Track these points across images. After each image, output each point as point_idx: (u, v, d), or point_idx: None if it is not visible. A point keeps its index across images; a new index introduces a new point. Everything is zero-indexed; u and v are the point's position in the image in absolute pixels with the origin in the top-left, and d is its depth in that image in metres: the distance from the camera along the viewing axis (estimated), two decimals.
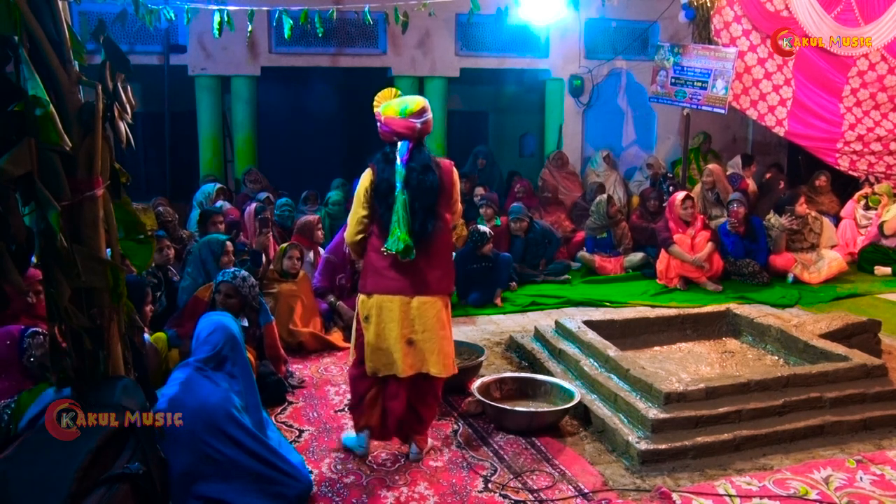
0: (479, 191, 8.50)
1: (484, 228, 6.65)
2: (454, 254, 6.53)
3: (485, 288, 6.49)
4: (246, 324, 4.29)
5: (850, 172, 8.56)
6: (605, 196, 7.76)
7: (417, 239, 3.27)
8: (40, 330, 3.38)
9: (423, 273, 3.33)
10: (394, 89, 3.46)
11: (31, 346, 3.32)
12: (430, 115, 3.34)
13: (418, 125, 3.28)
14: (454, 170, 3.41)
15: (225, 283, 4.22)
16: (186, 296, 4.90)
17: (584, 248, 7.74)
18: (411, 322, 3.33)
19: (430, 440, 3.67)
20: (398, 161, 3.29)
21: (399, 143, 3.32)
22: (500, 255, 6.69)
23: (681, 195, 7.18)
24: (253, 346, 4.32)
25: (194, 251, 5.20)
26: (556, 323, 4.99)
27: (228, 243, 5.12)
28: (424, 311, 3.33)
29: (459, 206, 3.48)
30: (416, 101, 3.32)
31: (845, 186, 8.91)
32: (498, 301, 6.46)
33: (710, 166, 8.43)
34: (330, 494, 3.23)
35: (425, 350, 3.34)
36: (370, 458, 3.57)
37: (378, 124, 3.40)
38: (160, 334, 4.41)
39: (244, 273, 4.31)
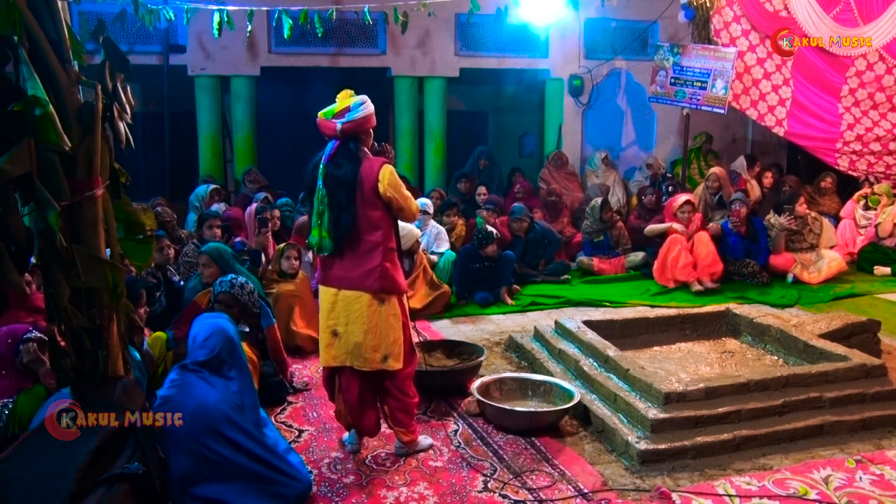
0: (482, 190, 8.51)
1: (491, 229, 6.64)
2: (461, 250, 6.63)
3: (489, 287, 6.52)
4: (247, 330, 4.28)
5: (850, 172, 8.56)
6: (599, 199, 7.76)
7: (336, 234, 3.37)
8: (33, 336, 3.38)
9: (348, 268, 3.39)
10: (349, 91, 3.48)
11: (21, 351, 3.33)
12: (359, 113, 3.35)
13: (338, 126, 3.34)
14: (384, 168, 3.35)
15: (223, 293, 4.15)
16: (193, 295, 4.96)
17: (582, 252, 7.74)
18: (337, 314, 3.41)
19: (424, 437, 3.69)
20: (322, 159, 3.43)
21: (329, 143, 3.45)
22: (502, 253, 6.72)
23: (681, 199, 7.18)
24: (256, 348, 4.31)
25: (190, 255, 5.25)
26: (556, 323, 4.99)
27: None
28: (349, 305, 3.38)
29: (406, 205, 3.39)
30: (340, 104, 3.38)
31: (845, 186, 8.91)
32: (507, 299, 6.47)
33: (716, 170, 8.38)
34: (330, 494, 3.23)
35: (348, 343, 3.40)
36: (370, 458, 3.58)
37: None
38: (159, 334, 4.41)
39: (241, 280, 4.28)
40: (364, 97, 3.41)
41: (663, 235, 7.19)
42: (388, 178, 3.33)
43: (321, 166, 3.41)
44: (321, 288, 3.49)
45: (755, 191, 8.73)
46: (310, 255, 6.18)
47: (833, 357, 4.17)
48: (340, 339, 3.41)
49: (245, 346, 3.72)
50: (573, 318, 4.93)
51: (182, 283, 5.36)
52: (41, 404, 2.97)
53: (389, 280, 3.38)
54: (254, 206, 6.74)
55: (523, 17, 8.38)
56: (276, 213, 6.97)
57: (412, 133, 9.64)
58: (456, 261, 6.68)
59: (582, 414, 3.93)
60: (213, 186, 7.87)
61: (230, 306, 4.13)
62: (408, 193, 3.43)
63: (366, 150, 3.44)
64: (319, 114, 3.42)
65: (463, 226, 7.66)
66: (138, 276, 4.62)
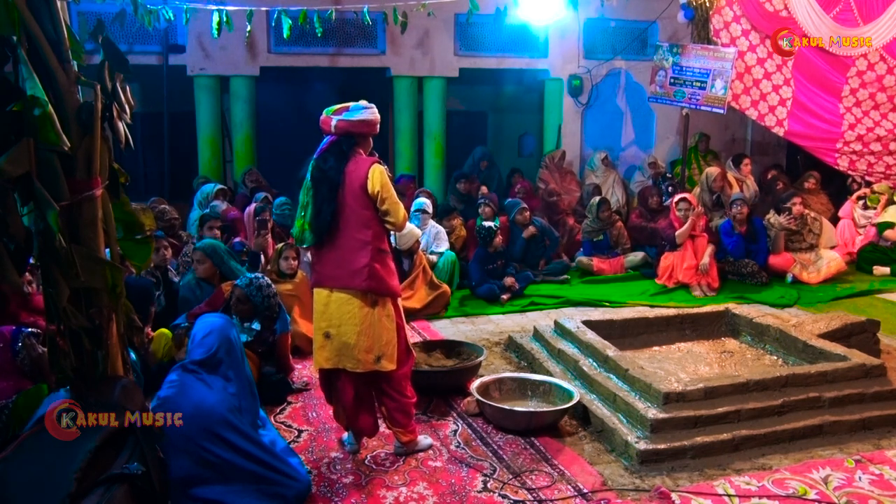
0: (483, 190, 8.51)
1: (489, 223, 6.65)
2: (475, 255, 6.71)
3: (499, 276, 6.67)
4: (257, 327, 4.30)
5: (850, 172, 8.55)
6: (598, 198, 7.77)
7: (316, 227, 3.38)
8: (31, 331, 3.37)
9: (337, 267, 3.38)
10: (363, 101, 3.48)
11: (23, 347, 3.32)
12: (358, 115, 3.36)
13: (334, 121, 3.36)
14: (374, 167, 3.34)
15: (239, 288, 4.31)
16: (186, 291, 5.07)
17: (581, 252, 7.74)
18: (329, 316, 3.40)
19: (423, 437, 3.69)
20: (315, 153, 3.44)
21: (325, 139, 3.46)
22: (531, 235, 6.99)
23: (677, 197, 7.18)
24: (257, 352, 4.31)
25: (189, 255, 5.29)
26: (555, 323, 4.99)
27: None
28: (341, 306, 3.38)
29: (394, 209, 3.35)
30: (347, 103, 3.40)
31: (843, 186, 8.90)
32: (513, 283, 6.60)
33: (713, 172, 8.28)
34: (329, 494, 3.23)
35: (340, 345, 3.38)
36: (369, 458, 3.58)
37: None
38: (163, 331, 4.44)
39: (263, 281, 4.33)
40: (372, 106, 3.43)
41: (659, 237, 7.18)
42: (377, 176, 3.32)
43: (312, 160, 3.44)
44: (315, 291, 3.48)
45: (749, 190, 8.72)
46: (308, 254, 6.17)
47: (832, 357, 4.17)
48: (332, 341, 3.39)
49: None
50: (572, 318, 4.94)
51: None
52: (41, 404, 2.97)
53: (378, 281, 3.36)
54: (252, 206, 6.73)
55: (522, 17, 8.38)
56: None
57: (411, 133, 9.63)
58: (471, 268, 6.69)
59: (581, 414, 3.93)
60: (219, 186, 7.85)
61: (241, 302, 4.28)
62: (398, 201, 3.40)
63: (361, 152, 3.43)
64: (325, 110, 3.44)
65: (462, 227, 7.66)
66: (145, 278, 4.67)
